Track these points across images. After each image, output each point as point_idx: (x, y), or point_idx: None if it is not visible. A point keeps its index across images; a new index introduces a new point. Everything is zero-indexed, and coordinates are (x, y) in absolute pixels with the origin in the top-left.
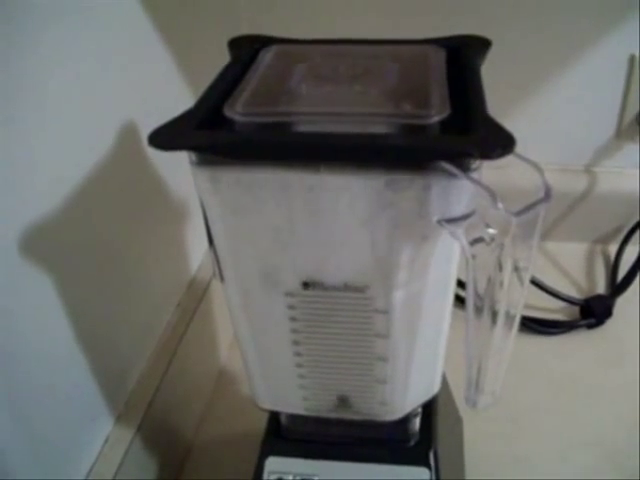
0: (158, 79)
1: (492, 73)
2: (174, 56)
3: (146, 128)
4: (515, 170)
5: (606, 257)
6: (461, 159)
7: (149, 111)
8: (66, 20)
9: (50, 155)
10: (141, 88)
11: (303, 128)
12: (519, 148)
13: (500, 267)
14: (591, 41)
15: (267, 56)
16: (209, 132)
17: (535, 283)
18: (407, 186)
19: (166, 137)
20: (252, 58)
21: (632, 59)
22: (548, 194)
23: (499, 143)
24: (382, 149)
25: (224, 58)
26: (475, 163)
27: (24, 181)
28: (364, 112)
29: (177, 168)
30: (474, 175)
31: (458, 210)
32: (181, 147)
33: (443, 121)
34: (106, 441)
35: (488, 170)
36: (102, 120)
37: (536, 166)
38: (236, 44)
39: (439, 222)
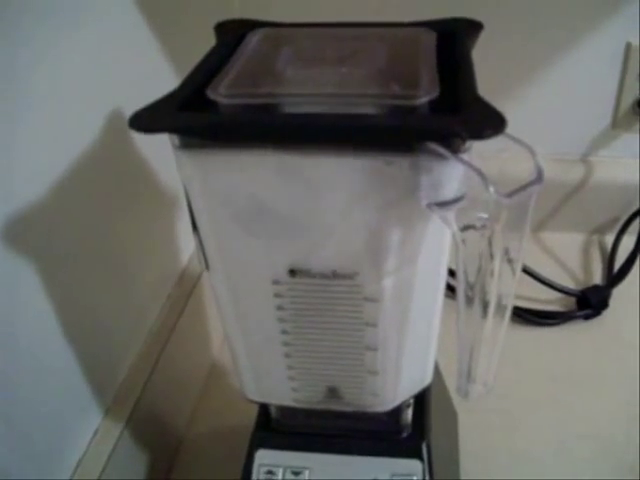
0: (146, 65)
1: (485, 61)
2: (162, 42)
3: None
4: (507, 158)
5: (602, 247)
6: (450, 140)
7: (137, 98)
8: (49, 8)
9: (36, 145)
10: (128, 75)
11: (288, 110)
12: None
13: (491, 256)
14: (587, 28)
15: (253, 39)
16: (191, 114)
17: (531, 274)
18: (395, 168)
19: (147, 119)
20: (238, 42)
21: (628, 47)
22: (540, 176)
23: (489, 123)
24: (368, 130)
25: (213, 43)
26: (465, 144)
27: (9, 171)
28: (351, 93)
29: (166, 157)
30: (464, 157)
31: (448, 194)
32: (162, 129)
33: (432, 102)
34: (95, 434)
35: (479, 160)
36: (88, 108)
37: (528, 148)
38: (222, 28)
39: (429, 206)
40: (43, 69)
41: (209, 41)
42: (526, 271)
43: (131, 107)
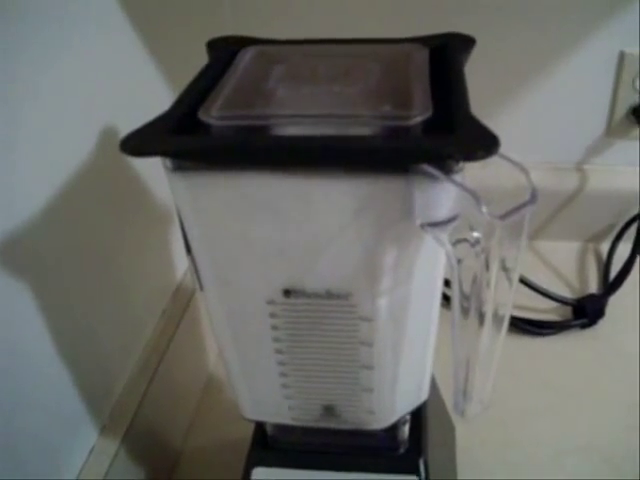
0: (141, 81)
1: (479, 71)
2: (157, 58)
3: (128, 131)
4: (501, 169)
5: (598, 256)
6: (443, 161)
7: (132, 114)
8: (46, 23)
9: (30, 159)
10: (123, 91)
11: (281, 131)
12: (509, 147)
13: (487, 267)
14: (580, 37)
15: (245, 57)
16: (182, 137)
17: (526, 283)
18: (388, 189)
19: (138, 142)
20: (230, 59)
21: (621, 55)
22: (534, 196)
23: (482, 144)
24: (361, 151)
25: (206, 57)
26: (458, 165)
27: (4, 188)
28: (344, 114)
29: (160, 173)
30: (457, 177)
31: (442, 214)
32: (153, 153)
33: (425, 122)
34: (91, 452)
35: (472, 170)
36: (82, 124)
37: (521, 167)
38: (215, 45)
39: (422, 226)
40: (37, 86)
41: (202, 55)
42: (521, 280)
43: (125, 123)
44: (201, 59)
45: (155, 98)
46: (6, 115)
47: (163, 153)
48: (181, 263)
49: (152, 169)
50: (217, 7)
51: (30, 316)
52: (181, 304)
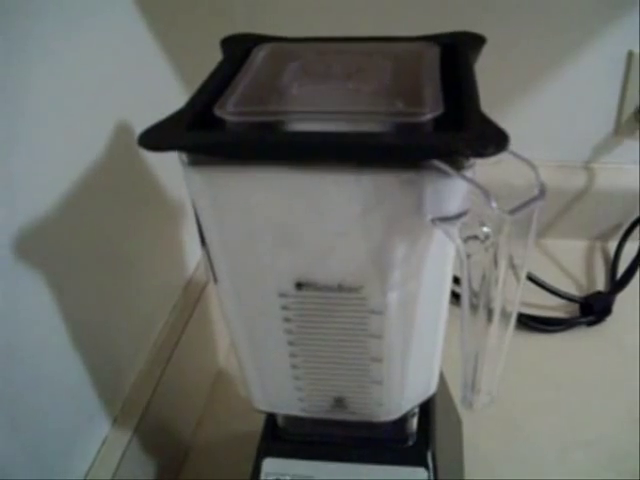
0: (153, 78)
1: (489, 69)
2: (169, 55)
3: (141, 128)
4: (510, 166)
5: (605, 254)
6: (454, 157)
7: (144, 111)
8: (59, 19)
9: (43, 157)
10: (136, 88)
11: (295, 127)
12: (518, 145)
13: (495, 264)
14: (589, 37)
15: (259, 55)
16: (199, 132)
17: (534, 280)
18: (399, 185)
19: (155, 137)
20: (244, 57)
21: (630, 55)
22: (542, 192)
23: (492, 141)
24: (374, 148)
25: (220, 57)
26: (468, 161)
27: (17, 184)
28: (356, 110)
29: (173, 167)
30: (468, 173)
31: (452, 209)
32: (170, 147)
33: (437, 119)
34: (103, 443)
35: (482, 166)
36: (95, 121)
37: (530, 164)
38: (229, 43)
39: (433, 221)
40: (50, 83)
41: (214, 51)
42: (529, 278)
43: (138, 119)
44: (213, 56)
45: (168, 95)
46: (17, 111)
47: (180, 148)
48: (192, 258)
49: (164, 165)
50: (230, 4)
51: (44, 311)
52: (192, 299)
